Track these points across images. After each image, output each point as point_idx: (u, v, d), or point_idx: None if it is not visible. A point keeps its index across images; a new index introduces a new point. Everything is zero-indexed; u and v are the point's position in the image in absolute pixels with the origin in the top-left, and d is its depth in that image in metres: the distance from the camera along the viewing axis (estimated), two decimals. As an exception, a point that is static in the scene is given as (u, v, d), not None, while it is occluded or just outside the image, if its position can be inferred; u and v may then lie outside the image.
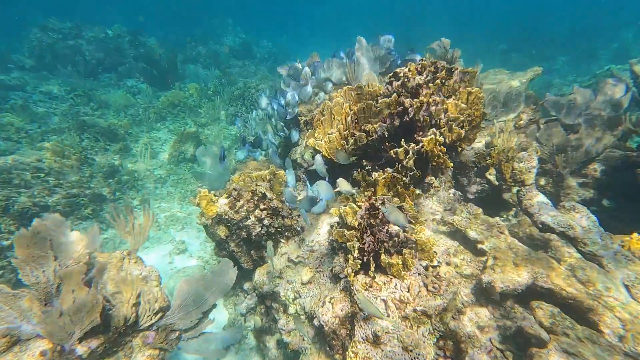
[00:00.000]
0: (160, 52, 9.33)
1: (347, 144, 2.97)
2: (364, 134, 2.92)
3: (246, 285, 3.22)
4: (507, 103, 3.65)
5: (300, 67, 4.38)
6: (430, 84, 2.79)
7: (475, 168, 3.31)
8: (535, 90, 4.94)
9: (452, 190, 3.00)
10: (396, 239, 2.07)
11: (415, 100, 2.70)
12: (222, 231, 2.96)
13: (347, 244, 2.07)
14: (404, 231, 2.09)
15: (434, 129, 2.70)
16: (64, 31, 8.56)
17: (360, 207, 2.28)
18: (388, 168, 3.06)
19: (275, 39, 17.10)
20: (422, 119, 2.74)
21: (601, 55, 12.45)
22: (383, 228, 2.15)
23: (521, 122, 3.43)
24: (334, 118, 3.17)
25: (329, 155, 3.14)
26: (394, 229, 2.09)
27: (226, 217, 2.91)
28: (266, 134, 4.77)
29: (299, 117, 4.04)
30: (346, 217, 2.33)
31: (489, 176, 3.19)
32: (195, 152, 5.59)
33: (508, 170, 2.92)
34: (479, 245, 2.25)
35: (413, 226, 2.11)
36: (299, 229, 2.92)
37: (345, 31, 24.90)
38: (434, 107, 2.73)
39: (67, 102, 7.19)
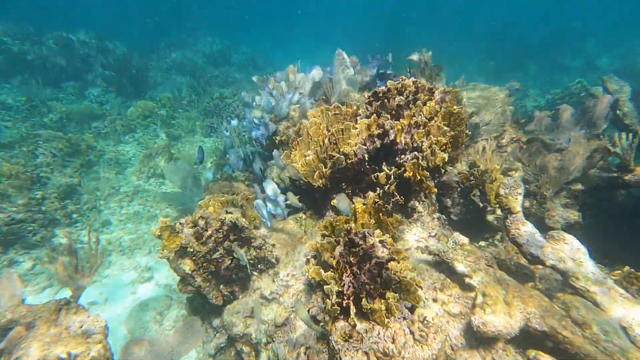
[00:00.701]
0: (130, 59, 8.84)
1: (325, 167, 2.76)
2: (343, 157, 2.72)
3: (215, 322, 2.91)
4: (491, 121, 3.59)
5: (275, 81, 4.15)
6: (411, 105, 2.65)
7: (459, 189, 3.19)
8: (513, 103, 4.95)
9: (437, 215, 2.85)
10: (379, 279, 1.85)
11: (396, 122, 2.54)
12: (187, 265, 2.65)
13: (325, 287, 1.84)
14: (383, 265, 1.89)
15: (416, 153, 2.54)
16: (20, 36, 7.92)
17: (338, 242, 2.06)
18: (370, 192, 2.87)
19: (254, 44, 16.84)
20: (403, 142, 2.58)
21: (570, 66, 13.04)
22: (364, 266, 1.93)
23: (503, 140, 3.36)
24: (311, 139, 2.96)
25: (306, 178, 2.92)
26: (376, 268, 1.88)
27: (192, 249, 2.60)
28: (237, 150, 4.50)
29: (273, 137, 3.80)
30: (323, 253, 2.10)
31: (472, 197, 3.07)
32: (163, 169, 5.21)
33: (492, 191, 2.80)
34: (467, 280, 2.09)
35: (396, 262, 1.91)
36: (273, 260, 2.65)
37: (328, 34, 25.03)
38: (415, 130, 2.57)
39: (22, 114, 6.59)
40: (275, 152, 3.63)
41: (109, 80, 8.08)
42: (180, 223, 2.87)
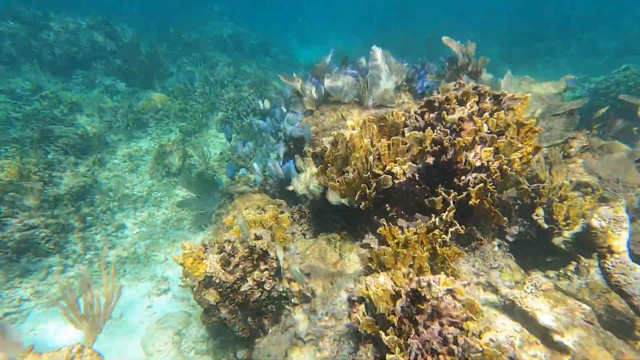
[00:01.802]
0: (140, 45, 8.43)
1: (369, 188, 2.39)
2: (389, 176, 2.34)
3: (240, 354, 2.65)
4: (550, 126, 3.12)
5: (301, 82, 3.72)
6: (475, 117, 2.22)
7: (516, 206, 2.79)
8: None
9: (497, 241, 2.48)
10: (454, 346, 1.51)
11: (458, 139, 2.13)
12: (212, 296, 2.36)
13: (388, 357, 1.51)
14: (457, 325, 1.55)
15: (481, 175, 2.14)
16: (29, 20, 7.55)
17: (398, 292, 1.72)
18: (417, 214, 2.50)
19: (266, 28, 16.15)
20: (465, 161, 2.18)
21: (605, 49, 12.00)
22: (431, 325, 1.60)
23: (571, 149, 2.90)
24: (350, 153, 2.57)
25: (343, 197, 2.56)
26: (448, 330, 1.54)
27: (217, 279, 2.30)
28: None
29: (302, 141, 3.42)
30: (377, 303, 1.76)
31: (535, 217, 2.67)
32: (179, 180, 4.91)
33: (561, 211, 2.40)
34: (556, 337, 1.73)
35: (473, 321, 1.56)
36: (308, 294, 2.34)
37: (342, 18, 23.92)
38: (481, 147, 2.16)
39: (32, 105, 6.32)
40: (296, 163, 3.26)
41: (119, 68, 7.71)
42: (204, 245, 2.57)
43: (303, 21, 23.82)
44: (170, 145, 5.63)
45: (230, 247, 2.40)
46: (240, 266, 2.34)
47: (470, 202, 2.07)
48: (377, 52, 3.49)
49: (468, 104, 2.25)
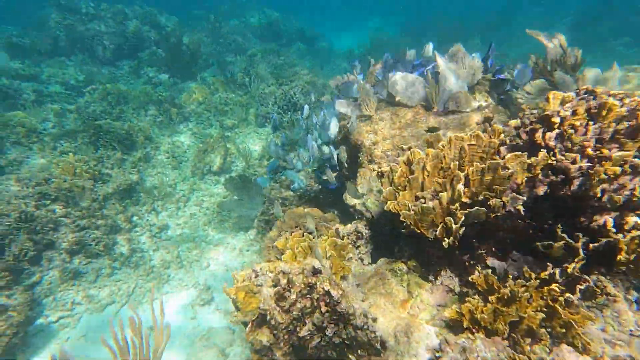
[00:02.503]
0: (182, 36, 8.34)
1: (454, 222, 1.95)
2: (483, 210, 1.87)
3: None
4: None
5: (355, 81, 3.26)
6: (623, 139, 1.66)
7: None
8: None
9: (634, 295, 1.94)
10: None
11: (597, 168, 1.60)
12: (265, 336, 2.09)
13: None
14: None
15: (631, 218, 1.60)
16: (81, 11, 7.71)
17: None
18: (515, 254, 2.03)
19: (302, 14, 15.55)
20: (602, 195, 1.65)
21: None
22: None
23: None
24: (427, 176, 2.12)
25: (418, 229, 2.14)
26: None
27: (272, 319, 2.02)
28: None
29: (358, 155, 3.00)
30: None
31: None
32: (224, 185, 4.72)
33: None
34: None
35: None
36: (377, 346, 1.99)
37: (375, 3, 22.49)
38: (632, 179, 1.62)
39: (84, 97, 6.47)
40: (349, 186, 2.86)
41: (162, 59, 7.68)
42: (255, 272, 2.30)
43: (340, 6, 22.75)
44: (212, 143, 5.47)
45: (285, 280, 2.10)
46: (298, 305, 2.03)
47: (617, 256, 1.55)
48: (461, 49, 2.93)
49: (606, 119, 1.69)
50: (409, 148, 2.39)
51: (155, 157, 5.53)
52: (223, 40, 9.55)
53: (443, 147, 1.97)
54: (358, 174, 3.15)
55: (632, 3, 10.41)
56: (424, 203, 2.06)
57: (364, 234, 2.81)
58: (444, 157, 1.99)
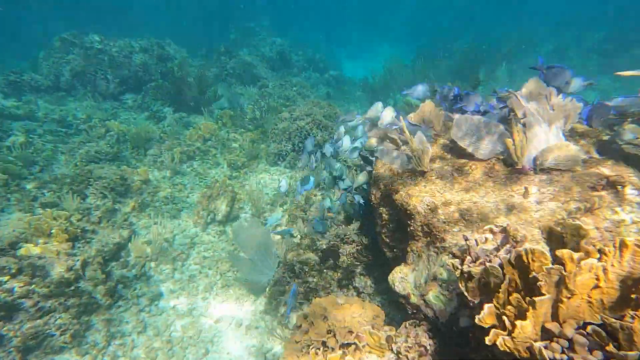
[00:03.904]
0: (189, 67, 7.95)
1: None
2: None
3: None
4: None
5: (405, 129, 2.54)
6: None
7: None
8: None
9: None
10: None
11: None
12: None
13: None
14: None
15: None
16: (86, 45, 7.42)
17: None
18: None
19: (313, 43, 15.44)
20: None
21: None
22: None
23: None
24: (567, 298, 1.30)
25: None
26: None
27: None
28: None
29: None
30: None
31: None
32: (232, 230, 3.95)
33: None
34: None
35: None
36: None
37: (386, 29, 22.64)
38: None
39: (80, 136, 5.93)
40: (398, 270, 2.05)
41: (167, 92, 7.22)
42: None
43: (349, 33, 22.97)
44: (217, 186, 4.76)
45: None
46: None
47: None
48: (540, 83, 2.20)
49: None
50: (508, 235, 1.58)
51: (152, 205, 4.82)
52: (232, 71, 9.18)
53: (605, 252, 1.15)
54: (409, 249, 2.34)
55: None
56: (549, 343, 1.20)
57: (427, 347, 1.94)
58: (605, 270, 1.16)
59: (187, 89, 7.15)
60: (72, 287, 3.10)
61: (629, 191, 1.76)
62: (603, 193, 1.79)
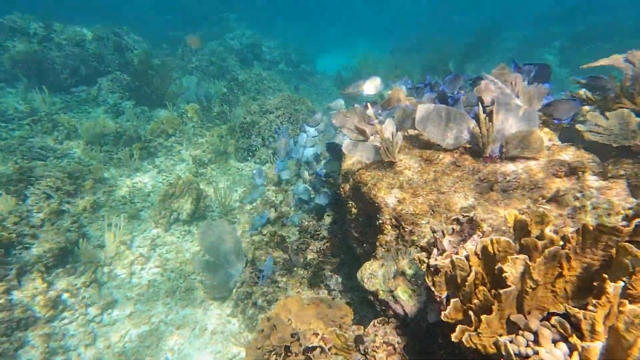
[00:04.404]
0: (150, 58, 7.43)
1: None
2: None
3: None
4: None
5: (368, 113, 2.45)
6: None
7: None
8: None
9: None
10: None
11: None
12: None
13: None
14: None
15: None
16: (29, 31, 6.69)
17: None
18: None
19: (285, 36, 15.11)
20: None
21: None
22: None
23: None
24: (532, 288, 1.23)
25: None
26: None
27: None
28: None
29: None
30: None
31: None
32: (197, 233, 3.71)
33: None
34: None
35: None
36: None
37: (364, 24, 22.70)
38: None
39: (23, 129, 5.34)
40: (367, 266, 1.97)
41: (127, 84, 6.70)
42: None
43: (326, 27, 22.78)
44: (181, 184, 4.45)
45: None
46: None
47: None
48: (505, 71, 2.17)
49: None
50: (475, 225, 1.52)
51: (108, 205, 4.42)
52: (199, 63, 8.72)
53: (568, 239, 1.10)
54: (377, 244, 2.24)
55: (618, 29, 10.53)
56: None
57: (396, 345, 1.86)
58: (569, 257, 1.11)
59: (148, 81, 6.67)
60: (2, 300, 2.72)
61: (589, 177, 1.76)
62: (565, 179, 1.78)
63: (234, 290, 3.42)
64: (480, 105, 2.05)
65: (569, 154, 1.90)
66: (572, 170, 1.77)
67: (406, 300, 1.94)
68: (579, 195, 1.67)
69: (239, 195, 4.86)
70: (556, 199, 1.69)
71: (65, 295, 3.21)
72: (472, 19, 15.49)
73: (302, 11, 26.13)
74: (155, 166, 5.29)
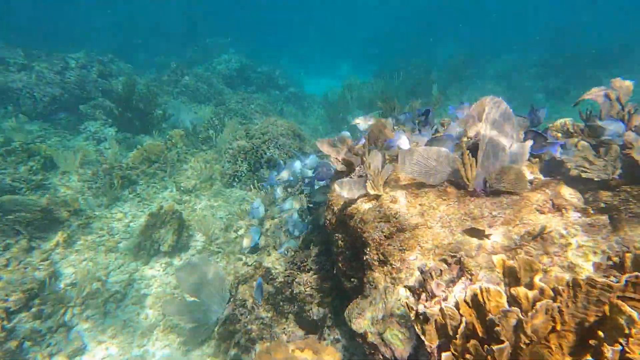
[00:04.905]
0: (135, 84, 7.39)
1: None
2: None
3: None
4: None
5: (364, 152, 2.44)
6: None
7: None
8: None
9: None
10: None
11: None
12: None
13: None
14: None
15: None
16: (7, 60, 6.57)
17: None
18: None
19: (273, 60, 15.44)
20: None
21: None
22: None
23: None
24: (526, 344, 1.18)
25: None
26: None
27: None
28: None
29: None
30: None
31: None
32: (176, 272, 3.53)
33: None
34: None
35: None
36: None
37: (347, 48, 23.52)
38: None
39: (-5, 160, 5.10)
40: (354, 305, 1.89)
41: (110, 111, 6.59)
42: None
43: (311, 51, 23.49)
44: (162, 213, 4.29)
45: None
46: None
47: None
48: (492, 101, 2.22)
49: None
50: (463, 267, 1.46)
51: (84, 238, 4.19)
52: (186, 89, 8.73)
53: (561, 292, 1.05)
54: (365, 280, 2.16)
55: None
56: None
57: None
58: (560, 311, 1.06)
59: (132, 107, 6.58)
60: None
61: (571, 214, 1.76)
62: (550, 216, 1.77)
63: (216, 328, 3.22)
64: (463, 143, 2.06)
65: (551, 189, 1.91)
66: (556, 206, 1.77)
67: (396, 344, 1.83)
68: (563, 232, 1.65)
69: (223, 223, 4.72)
70: (542, 236, 1.67)
71: (27, 344, 2.93)
72: (458, 45, 16.26)
73: (287, 35, 26.97)
74: (137, 195, 5.12)
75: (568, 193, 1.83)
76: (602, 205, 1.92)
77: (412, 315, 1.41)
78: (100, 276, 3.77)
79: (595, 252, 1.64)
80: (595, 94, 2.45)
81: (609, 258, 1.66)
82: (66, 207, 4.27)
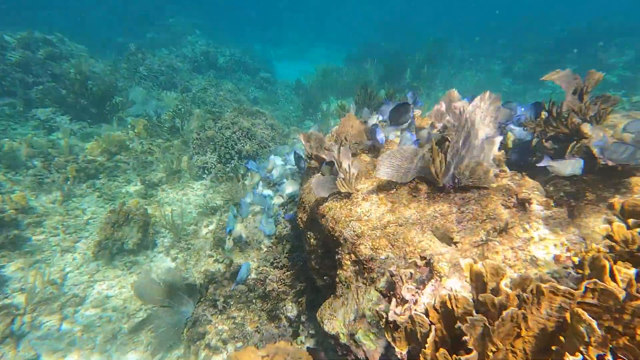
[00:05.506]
0: (90, 67, 6.75)
1: None
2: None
3: None
4: None
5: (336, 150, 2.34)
6: None
7: None
8: None
9: None
10: None
11: None
12: None
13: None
14: None
15: None
16: None
17: None
18: None
19: (243, 42, 14.75)
20: None
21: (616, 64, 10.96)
22: None
23: None
24: (493, 352, 1.18)
25: None
26: None
27: None
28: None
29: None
30: None
31: None
32: (134, 285, 3.33)
33: None
34: None
35: None
36: None
37: (322, 30, 23.00)
38: None
39: None
40: (326, 305, 1.86)
41: (62, 98, 5.99)
42: None
43: (284, 33, 22.70)
44: (125, 209, 4.01)
45: None
46: None
47: None
48: (456, 95, 2.19)
49: None
50: (432, 268, 1.45)
51: (36, 238, 3.84)
52: (148, 73, 8.12)
53: (525, 300, 1.05)
54: (337, 280, 2.12)
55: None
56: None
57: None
58: (525, 318, 1.06)
59: (87, 93, 6.01)
60: None
61: (535, 207, 1.80)
62: (514, 210, 1.81)
63: (184, 331, 3.10)
64: (433, 139, 2.04)
65: (515, 182, 1.95)
66: (520, 201, 1.80)
67: (367, 344, 1.83)
68: (526, 226, 1.69)
69: (193, 218, 4.51)
70: (507, 231, 1.70)
71: (-27, 359, 2.66)
72: (428, 28, 16.37)
73: (256, 16, 25.88)
74: (96, 189, 4.74)
75: (531, 186, 1.87)
76: (562, 194, 2.00)
77: (382, 323, 1.39)
78: (55, 279, 3.49)
79: (555, 245, 1.69)
80: (559, 77, 2.49)
81: (567, 249, 1.74)
82: (12, 205, 3.86)
